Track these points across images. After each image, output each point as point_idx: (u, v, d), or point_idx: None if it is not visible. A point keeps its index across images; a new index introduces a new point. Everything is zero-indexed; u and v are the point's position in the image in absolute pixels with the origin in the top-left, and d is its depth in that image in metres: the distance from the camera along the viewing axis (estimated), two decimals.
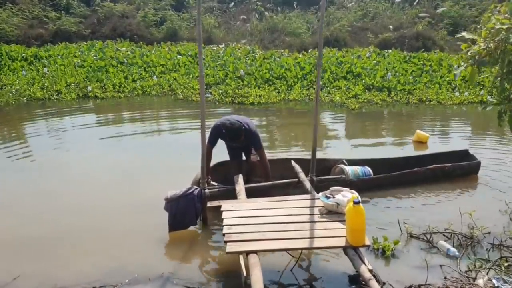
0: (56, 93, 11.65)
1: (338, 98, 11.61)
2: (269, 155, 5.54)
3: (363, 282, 3.41)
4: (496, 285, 3.62)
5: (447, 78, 13.03)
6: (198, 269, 4.11)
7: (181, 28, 18.39)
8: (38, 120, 9.72)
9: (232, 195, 4.71)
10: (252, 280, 3.17)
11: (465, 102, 11.66)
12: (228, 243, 3.63)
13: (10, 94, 11.33)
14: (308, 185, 4.86)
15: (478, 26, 4.55)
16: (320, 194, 4.29)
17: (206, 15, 18.84)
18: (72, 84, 12.22)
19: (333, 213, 4.06)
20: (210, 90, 12.04)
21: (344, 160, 5.89)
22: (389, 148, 7.93)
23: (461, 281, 3.76)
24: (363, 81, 12.82)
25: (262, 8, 19.68)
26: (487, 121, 9.66)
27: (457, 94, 12.10)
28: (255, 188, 4.98)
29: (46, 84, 12.02)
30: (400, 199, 5.61)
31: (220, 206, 4.35)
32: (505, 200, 5.29)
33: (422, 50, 16.43)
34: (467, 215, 4.67)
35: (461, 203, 5.11)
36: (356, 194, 4.08)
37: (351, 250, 3.57)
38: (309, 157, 5.07)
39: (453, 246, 4.36)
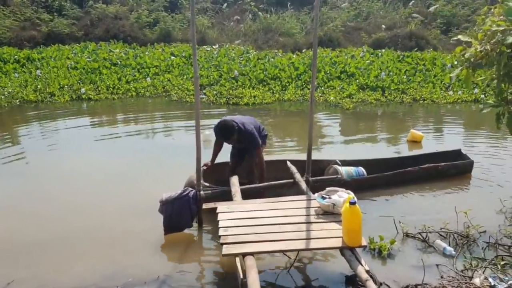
0: (49, 96, 11.57)
1: (332, 98, 11.62)
2: (264, 156, 5.51)
3: (360, 283, 3.41)
4: (492, 284, 3.63)
5: (441, 77, 13.08)
6: (194, 272, 4.08)
7: (174, 29, 18.34)
8: (31, 122, 9.64)
9: (228, 197, 4.70)
10: (248, 282, 3.15)
11: (459, 100, 11.72)
12: (224, 245, 3.61)
13: (3, 97, 11.23)
14: (303, 185, 4.85)
15: (473, 28, 4.57)
16: (316, 194, 4.28)
17: (199, 15, 18.81)
18: (65, 86, 12.15)
19: (329, 213, 4.06)
20: (204, 91, 12.01)
21: (338, 161, 5.89)
22: (383, 148, 7.95)
23: (458, 280, 3.76)
24: (357, 81, 12.84)
25: (256, 9, 19.66)
26: (481, 120, 9.70)
27: (450, 93, 12.15)
28: (250, 190, 4.97)
29: (39, 87, 11.94)
30: (395, 199, 5.62)
31: (215, 208, 4.33)
32: (500, 198, 5.31)
33: (416, 49, 16.50)
34: (463, 214, 4.68)
35: (456, 202, 5.13)
36: (352, 194, 4.08)
37: (348, 250, 3.56)
38: (304, 157, 5.05)
39: (449, 245, 4.36)
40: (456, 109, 11.38)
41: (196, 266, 4.21)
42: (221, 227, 3.88)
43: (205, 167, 5.29)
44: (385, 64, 14.04)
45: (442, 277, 3.86)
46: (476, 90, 11.80)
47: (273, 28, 18.66)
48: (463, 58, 4.31)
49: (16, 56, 14.25)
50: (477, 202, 5.38)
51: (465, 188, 6.04)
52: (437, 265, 4.03)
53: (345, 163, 5.90)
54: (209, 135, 7.79)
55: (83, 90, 11.84)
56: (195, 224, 4.70)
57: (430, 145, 7.85)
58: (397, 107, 11.37)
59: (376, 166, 6.08)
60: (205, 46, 16.63)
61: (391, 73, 13.40)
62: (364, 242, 3.62)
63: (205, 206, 4.56)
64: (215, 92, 11.86)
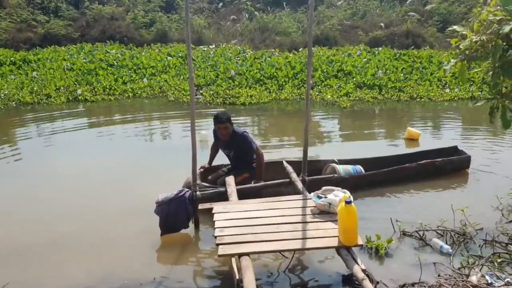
0: (46, 97, 11.55)
1: (329, 96, 11.62)
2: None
3: (357, 282, 3.39)
4: (489, 281, 3.61)
5: (437, 75, 13.08)
6: (190, 273, 4.07)
7: (171, 29, 18.32)
8: (27, 124, 9.63)
9: (224, 197, 4.68)
10: (244, 283, 3.13)
11: (455, 98, 11.73)
12: (220, 246, 3.59)
13: None
14: (300, 185, 4.83)
15: (469, 20, 4.52)
16: (312, 194, 4.26)
17: (196, 15, 18.79)
18: (62, 88, 12.13)
19: (325, 213, 4.04)
20: (201, 91, 11.99)
21: (335, 159, 5.87)
22: (381, 146, 7.94)
23: (455, 278, 3.74)
24: (354, 79, 12.84)
25: (252, 8, 19.65)
26: (478, 117, 9.71)
27: (447, 90, 12.16)
28: (246, 190, 4.95)
29: (35, 88, 11.92)
30: (392, 197, 5.61)
31: (211, 208, 4.31)
32: (497, 195, 5.29)
33: (412, 47, 16.52)
34: (460, 212, 4.66)
35: (453, 199, 5.12)
36: (348, 193, 4.06)
37: (344, 250, 3.54)
38: (301, 158, 5.04)
39: (446, 243, 4.35)
40: (453, 106, 11.39)
41: (192, 267, 4.19)
42: (217, 228, 3.86)
43: (202, 170, 5.35)
44: (382, 62, 14.04)
45: (439, 275, 3.84)
46: (472, 88, 11.81)
47: (269, 27, 18.65)
48: (458, 50, 4.25)
49: (12, 58, 14.23)
50: (474, 199, 5.37)
51: (462, 185, 6.04)
52: (434, 263, 4.02)
53: (342, 162, 5.89)
54: (205, 135, 7.79)
55: (79, 91, 11.82)
56: (191, 225, 4.68)
57: (427, 142, 7.83)
58: (394, 105, 11.37)
59: (374, 164, 6.07)
60: (201, 46, 16.62)
61: (388, 71, 13.41)
62: (360, 241, 3.60)
63: (201, 206, 4.54)
64: (211, 92, 11.85)
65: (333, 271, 3.94)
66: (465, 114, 10.83)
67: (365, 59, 14.33)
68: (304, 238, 3.70)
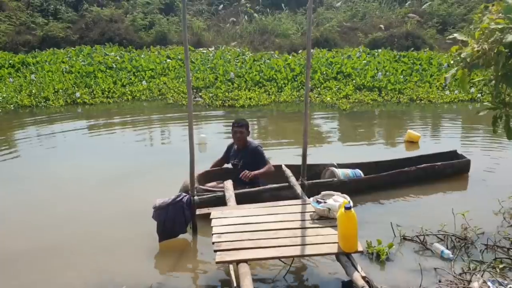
0: (44, 100, 11.50)
1: (329, 98, 11.58)
2: None
3: None
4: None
5: (437, 77, 13.04)
6: (187, 279, 4.01)
7: (170, 31, 18.28)
8: (26, 127, 9.58)
9: (222, 202, 4.63)
10: None
11: (455, 100, 11.68)
12: (217, 253, 3.54)
13: None
14: (299, 189, 4.78)
15: (470, 27, 4.46)
16: (311, 199, 4.21)
17: (195, 18, 18.76)
18: (60, 91, 12.08)
19: (325, 218, 3.99)
20: (200, 94, 11.95)
21: (334, 163, 5.83)
22: (380, 149, 7.90)
23: (456, 284, 3.69)
24: (354, 81, 12.80)
25: (251, 10, 19.62)
26: (478, 119, 9.64)
27: (447, 92, 12.11)
28: (245, 194, 4.89)
29: (33, 91, 11.88)
30: (393, 201, 5.56)
31: (209, 213, 4.26)
32: (498, 199, 5.24)
33: (412, 49, 16.48)
34: (460, 216, 4.61)
35: (454, 203, 5.05)
36: (347, 198, 4.00)
37: (344, 256, 3.49)
38: (300, 161, 4.99)
39: (447, 248, 4.30)
40: (453, 108, 11.34)
41: (190, 273, 4.15)
42: (214, 234, 3.81)
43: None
44: (381, 64, 14.00)
45: (440, 281, 3.79)
46: (472, 90, 11.77)
47: (269, 29, 18.62)
48: (459, 58, 4.20)
49: (11, 61, 14.19)
50: (474, 203, 5.32)
51: (462, 188, 6.00)
52: (435, 269, 3.97)
53: (342, 165, 5.84)
54: (204, 138, 7.74)
55: (78, 94, 11.77)
56: (189, 230, 4.63)
57: (428, 145, 7.80)
58: (394, 107, 11.33)
59: (373, 168, 6.02)
60: (201, 49, 16.59)
61: (387, 73, 13.36)
62: (360, 247, 3.54)
63: (198, 211, 4.49)
64: (211, 95, 11.80)
65: (333, 277, 3.88)
66: (465, 116, 10.78)
67: (365, 61, 14.29)
68: (303, 244, 3.64)
